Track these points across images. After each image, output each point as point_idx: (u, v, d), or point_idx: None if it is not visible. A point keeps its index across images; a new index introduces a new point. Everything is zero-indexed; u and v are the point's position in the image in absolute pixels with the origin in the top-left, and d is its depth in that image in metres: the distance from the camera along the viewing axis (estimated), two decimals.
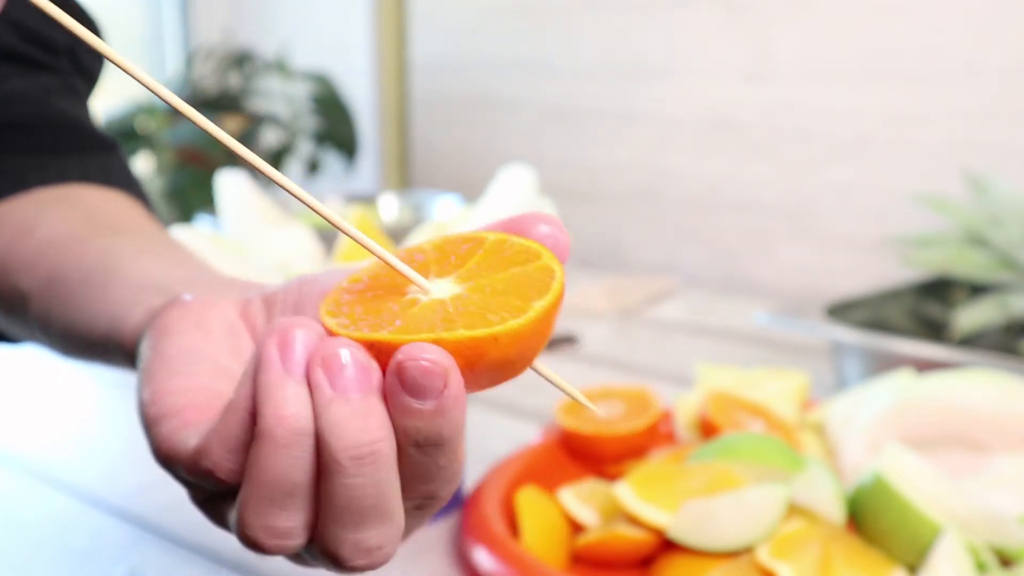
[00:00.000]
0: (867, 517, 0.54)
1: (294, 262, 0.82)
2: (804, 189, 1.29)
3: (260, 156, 1.46)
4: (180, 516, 0.65)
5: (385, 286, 0.32)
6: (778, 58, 1.29)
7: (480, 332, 0.29)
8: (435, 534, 0.62)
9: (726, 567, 0.52)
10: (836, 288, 1.20)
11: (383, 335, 0.29)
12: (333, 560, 0.31)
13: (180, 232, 0.78)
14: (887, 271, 1.14)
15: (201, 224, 1.17)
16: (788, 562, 0.51)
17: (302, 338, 0.29)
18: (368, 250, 0.31)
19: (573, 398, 0.34)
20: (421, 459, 0.30)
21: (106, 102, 1.56)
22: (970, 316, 0.83)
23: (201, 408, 0.34)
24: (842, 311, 0.87)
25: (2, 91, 0.53)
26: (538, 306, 0.30)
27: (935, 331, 0.86)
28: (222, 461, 0.31)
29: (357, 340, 0.29)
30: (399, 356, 0.28)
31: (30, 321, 0.48)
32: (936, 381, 0.63)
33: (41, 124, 0.53)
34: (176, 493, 0.69)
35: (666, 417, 0.69)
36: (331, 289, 0.35)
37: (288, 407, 0.29)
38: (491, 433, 0.76)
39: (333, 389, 0.29)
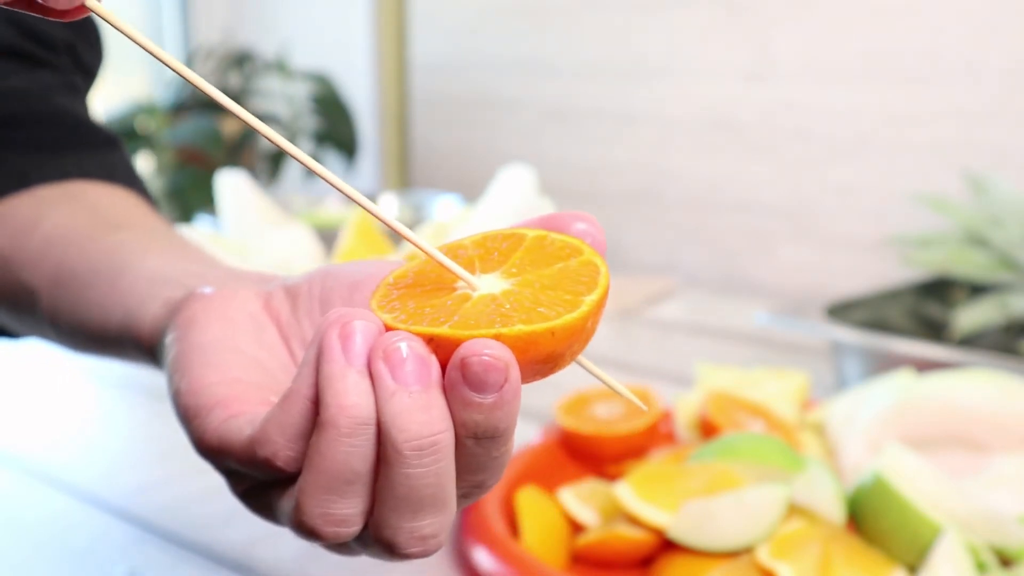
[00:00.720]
0: (867, 517, 0.54)
1: (294, 262, 0.82)
2: (804, 189, 1.29)
3: (260, 156, 1.47)
4: (180, 516, 0.65)
5: (433, 281, 0.32)
6: (778, 58, 1.29)
7: (538, 327, 0.29)
8: None
9: (726, 567, 0.52)
10: (836, 288, 1.20)
11: (443, 330, 0.30)
12: (388, 548, 0.32)
13: (180, 232, 0.78)
14: (887, 271, 1.14)
15: (201, 224, 1.17)
16: (788, 562, 0.51)
17: (362, 329, 0.30)
18: (416, 246, 0.31)
19: (618, 392, 0.34)
20: (477, 450, 0.31)
21: (106, 102, 1.56)
22: (970, 316, 0.83)
23: (244, 400, 0.34)
24: (842, 311, 0.87)
25: (2, 88, 0.52)
26: (589, 300, 0.30)
27: (935, 331, 0.86)
28: (281, 449, 0.31)
29: (416, 334, 0.30)
30: (462, 352, 0.29)
31: (38, 317, 0.48)
32: (936, 381, 0.63)
33: (42, 121, 0.53)
34: (176, 493, 0.69)
35: (666, 417, 0.69)
36: (371, 284, 0.35)
37: (351, 397, 0.29)
38: None
39: (395, 381, 0.29)
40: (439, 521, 0.31)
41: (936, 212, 0.93)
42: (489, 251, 0.33)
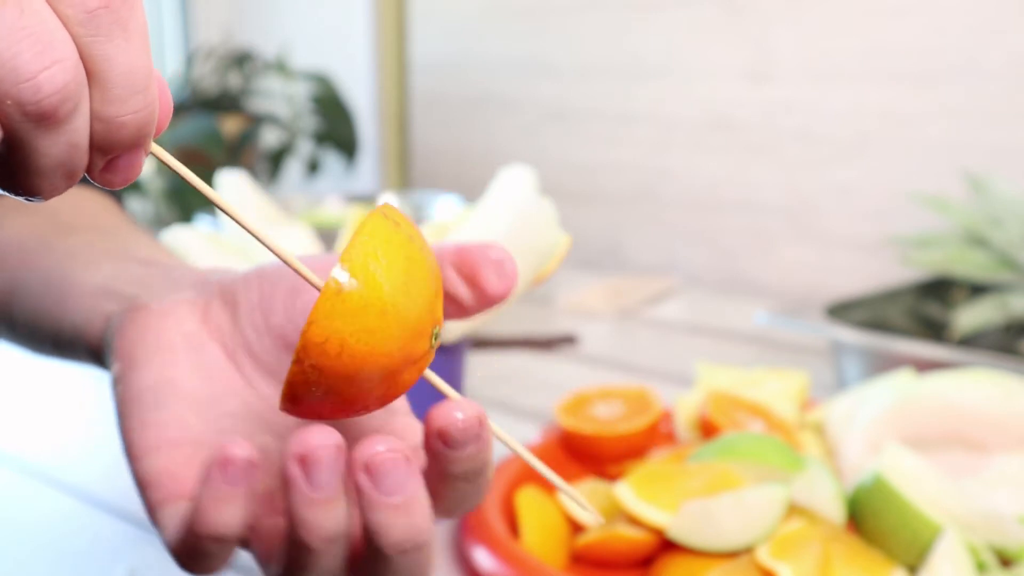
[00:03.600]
0: (867, 517, 0.54)
1: None
2: (804, 189, 1.29)
3: (261, 156, 1.46)
4: None
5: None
6: (778, 58, 1.29)
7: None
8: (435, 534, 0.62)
9: (726, 567, 0.52)
10: (836, 288, 1.20)
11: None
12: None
13: (180, 232, 0.78)
14: (887, 271, 1.14)
15: (201, 224, 1.17)
16: (788, 562, 0.51)
17: (327, 458, 0.30)
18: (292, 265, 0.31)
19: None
20: (468, 486, 0.33)
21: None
22: (970, 316, 0.83)
23: (176, 478, 0.35)
24: (842, 311, 0.87)
25: None
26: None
27: (935, 331, 0.86)
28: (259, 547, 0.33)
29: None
30: (438, 422, 0.31)
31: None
32: (936, 381, 0.63)
33: None
34: None
35: (666, 417, 0.69)
36: (308, 288, 0.36)
37: (323, 524, 0.30)
38: None
39: (379, 493, 0.30)
40: (424, 566, 0.33)
41: (936, 212, 0.93)
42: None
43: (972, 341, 0.82)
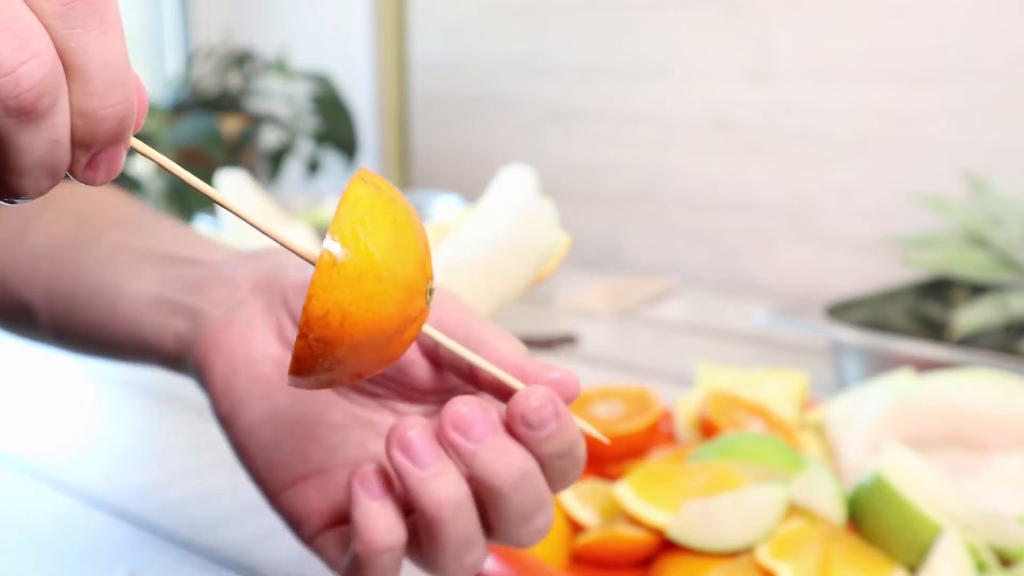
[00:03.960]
0: (867, 517, 0.54)
1: (293, 260, 0.82)
2: (804, 189, 1.29)
3: (261, 156, 1.46)
4: (180, 516, 0.65)
5: None
6: (778, 58, 1.29)
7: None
8: None
9: (726, 567, 0.52)
10: (836, 288, 1.20)
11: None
12: (514, 545, 0.37)
13: None
14: (887, 271, 1.14)
15: (201, 224, 1.17)
16: (788, 562, 0.51)
17: (419, 435, 0.34)
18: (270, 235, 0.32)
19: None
20: (565, 463, 0.36)
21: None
22: (970, 316, 0.83)
23: (323, 511, 0.39)
24: (842, 311, 0.87)
25: None
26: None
27: (935, 331, 0.86)
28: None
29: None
30: (519, 408, 0.34)
31: (38, 330, 0.48)
32: (936, 381, 0.63)
33: None
34: (176, 493, 0.69)
35: (666, 417, 0.69)
36: None
37: (442, 492, 0.34)
38: None
39: (471, 441, 0.34)
40: (546, 515, 0.36)
41: (936, 212, 0.93)
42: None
43: (972, 341, 0.82)
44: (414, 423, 0.34)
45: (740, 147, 1.34)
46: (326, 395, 0.40)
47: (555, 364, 0.37)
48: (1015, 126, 1.12)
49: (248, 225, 0.31)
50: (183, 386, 0.86)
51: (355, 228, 0.29)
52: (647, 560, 0.56)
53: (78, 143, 0.28)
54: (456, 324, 0.37)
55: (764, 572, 0.51)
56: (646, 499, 0.55)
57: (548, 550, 0.56)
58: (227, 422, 0.41)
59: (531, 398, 0.34)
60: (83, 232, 0.48)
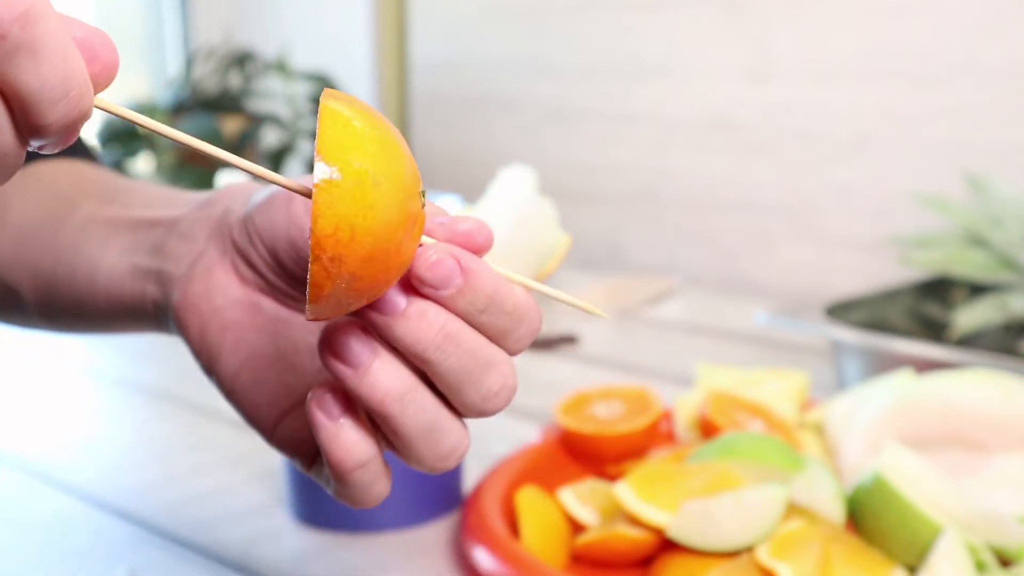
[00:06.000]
0: (867, 517, 0.54)
1: None
2: (804, 189, 1.29)
3: (261, 156, 1.46)
4: (180, 516, 0.65)
5: None
6: (778, 58, 1.29)
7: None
8: (435, 534, 0.62)
9: (726, 567, 0.52)
10: (836, 288, 1.20)
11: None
12: (479, 415, 0.36)
13: None
14: (887, 271, 1.14)
15: None
16: (788, 562, 0.51)
17: (348, 336, 0.33)
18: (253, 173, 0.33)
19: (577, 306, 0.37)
20: (495, 319, 0.34)
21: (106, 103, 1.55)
22: (970, 316, 0.83)
23: (311, 440, 0.39)
24: (842, 311, 0.87)
25: None
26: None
27: (935, 331, 0.86)
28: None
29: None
30: (414, 270, 0.33)
31: (27, 312, 0.49)
32: (936, 381, 0.63)
33: None
34: (176, 493, 0.69)
35: (666, 417, 0.69)
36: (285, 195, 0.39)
37: (385, 383, 0.34)
38: (491, 433, 0.76)
39: (385, 315, 0.33)
40: (499, 373, 0.35)
41: (936, 212, 0.93)
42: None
43: (972, 341, 0.82)
44: (341, 324, 0.33)
45: (740, 147, 1.34)
46: (296, 320, 0.41)
47: (467, 216, 0.36)
48: (1015, 126, 1.12)
49: (229, 163, 0.32)
50: (183, 386, 0.86)
51: (341, 143, 0.30)
52: (647, 560, 0.56)
53: (29, 143, 0.28)
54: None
55: (764, 572, 0.51)
56: (646, 499, 0.55)
57: (548, 550, 0.56)
58: (210, 374, 0.41)
59: (427, 254, 0.33)
60: (58, 209, 0.48)
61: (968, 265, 0.87)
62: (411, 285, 0.33)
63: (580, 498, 0.60)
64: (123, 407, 0.88)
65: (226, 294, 0.41)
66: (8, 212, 0.49)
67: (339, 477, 0.35)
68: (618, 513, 0.57)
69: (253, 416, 0.40)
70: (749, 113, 1.32)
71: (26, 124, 0.28)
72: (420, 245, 0.33)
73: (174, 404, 0.86)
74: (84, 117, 0.28)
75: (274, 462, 0.71)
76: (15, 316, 0.50)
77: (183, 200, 0.46)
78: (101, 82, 0.29)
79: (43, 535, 0.63)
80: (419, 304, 0.33)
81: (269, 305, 0.41)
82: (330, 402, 0.34)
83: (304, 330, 0.41)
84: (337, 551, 0.60)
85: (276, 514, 0.65)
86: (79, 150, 0.55)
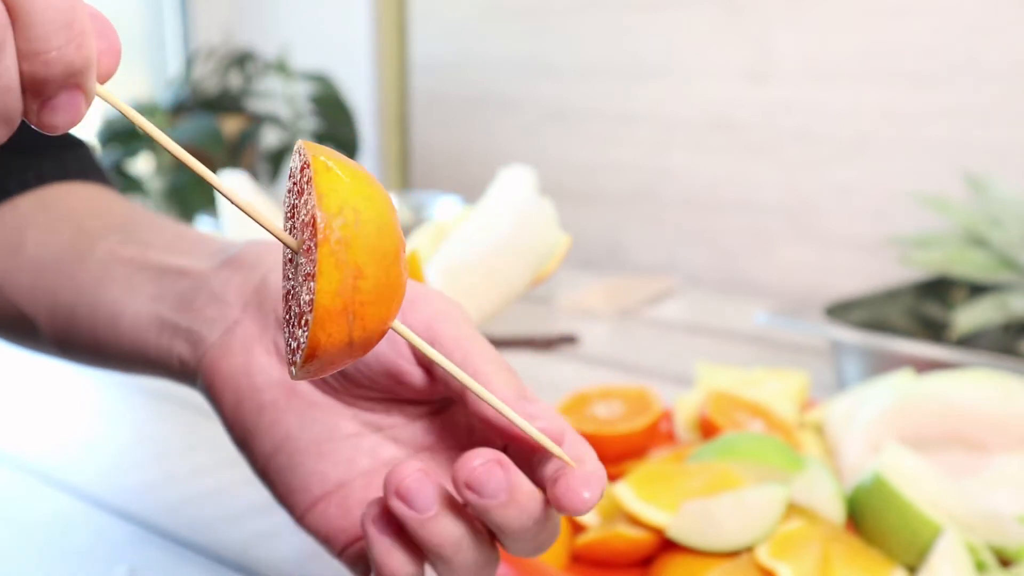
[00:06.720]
0: (867, 517, 0.54)
1: None
2: (804, 189, 1.29)
3: (261, 156, 1.46)
4: (180, 516, 0.65)
5: None
6: (778, 58, 1.29)
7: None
8: None
9: (726, 567, 0.52)
10: (836, 288, 1.20)
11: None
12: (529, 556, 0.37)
13: None
14: (887, 271, 1.14)
15: (201, 224, 1.17)
16: (788, 562, 0.51)
17: (416, 483, 0.34)
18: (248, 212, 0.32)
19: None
20: (534, 534, 0.35)
21: (105, 103, 1.55)
22: (970, 316, 0.83)
23: (347, 527, 0.40)
24: (842, 311, 0.87)
25: None
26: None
27: (935, 331, 0.86)
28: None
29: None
30: (462, 476, 0.34)
31: (41, 341, 0.48)
32: (936, 381, 0.63)
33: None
34: (176, 493, 0.69)
35: (666, 417, 0.69)
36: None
37: (443, 533, 0.35)
38: None
39: (485, 498, 0.33)
40: (554, 523, 0.36)
41: (936, 212, 0.93)
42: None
43: (972, 341, 0.82)
44: (409, 469, 0.34)
45: (740, 147, 1.34)
46: (333, 407, 0.40)
47: (546, 408, 0.36)
48: (1015, 126, 1.12)
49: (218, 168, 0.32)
50: (183, 386, 0.86)
51: (329, 162, 0.30)
52: (647, 560, 0.56)
53: (29, 89, 0.28)
54: (454, 344, 0.37)
55: (764, 572, 0.51)
56: (646, 499, 0.55)
57: (548, 550, 0.56)
58: (242, 449, 0.41)
59: (474, 459, 0.33)
60: (77, 242, 0.48)
61: (968, 265, 0.87)
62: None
63: None
64: (123, 407, 0.88)
65: (266, 374, 0.40)
66: (24, 241, 0.49)
67: None
68: (618, 513, 0.57)
69: (285, 498, 0.40)
70: (749, 113, 1.32)
71: (29, 50, 0.27)
72: (512, 420, 0.34)
73: (174, 404, 0.86)
74: (81, 61, 0.28)
75: None
76: (30, 343, 0.50)
77: (206, 248, 0.45)
78: (106, 62, 0.29)
79: (43, 535, 0.63)
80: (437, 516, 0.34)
81: (306, 389, 0.40)
82: (384, 520, 0.35)
83: (341, 414, 0.40)
84: None
85: (276, 514, 0.65)
86: (91, 171, 0.54)
